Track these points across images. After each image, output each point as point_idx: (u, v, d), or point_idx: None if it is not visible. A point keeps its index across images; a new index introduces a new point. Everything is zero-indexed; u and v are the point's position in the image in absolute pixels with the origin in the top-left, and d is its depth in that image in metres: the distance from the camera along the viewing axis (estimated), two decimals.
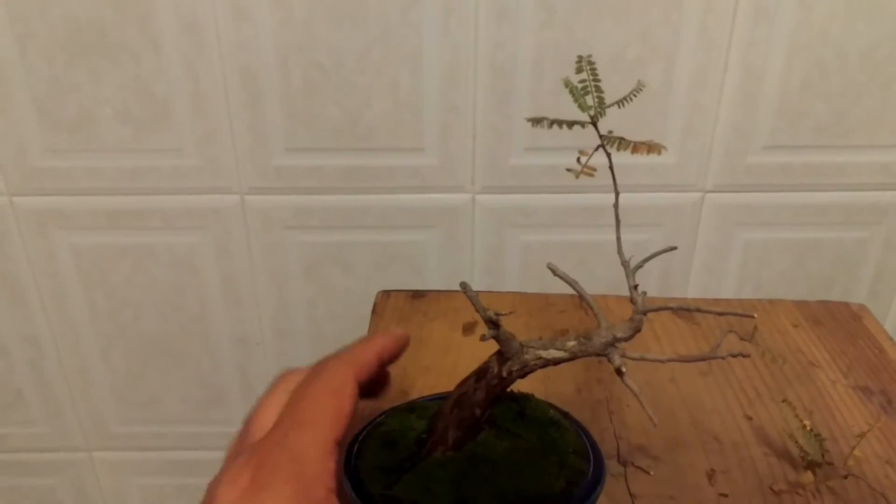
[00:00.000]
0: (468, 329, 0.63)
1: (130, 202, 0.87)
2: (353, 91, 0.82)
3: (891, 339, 0.61)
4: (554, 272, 0.44)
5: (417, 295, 0.67)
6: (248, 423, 0.39)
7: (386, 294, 0.71)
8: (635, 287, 0.42)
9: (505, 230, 0.90)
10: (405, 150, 0.85)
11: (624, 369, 0.39)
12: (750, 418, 0.54)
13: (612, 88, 0.81)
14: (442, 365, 0.57)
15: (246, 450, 0.36)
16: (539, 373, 0.57)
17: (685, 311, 0.40)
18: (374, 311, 0.69)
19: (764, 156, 0.87)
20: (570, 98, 0.46)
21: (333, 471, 0.35)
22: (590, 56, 0.42)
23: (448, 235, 0.90)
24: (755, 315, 0.37)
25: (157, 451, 1.05)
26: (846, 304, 0.64)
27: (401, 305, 0.66)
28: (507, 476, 0.41)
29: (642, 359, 0.41)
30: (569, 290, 0.45)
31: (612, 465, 0.50)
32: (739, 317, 0.36)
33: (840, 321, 0.63)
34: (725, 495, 0.48)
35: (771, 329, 0.62)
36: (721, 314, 0.38)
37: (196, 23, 0.78)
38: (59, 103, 0.82)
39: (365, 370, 0.41)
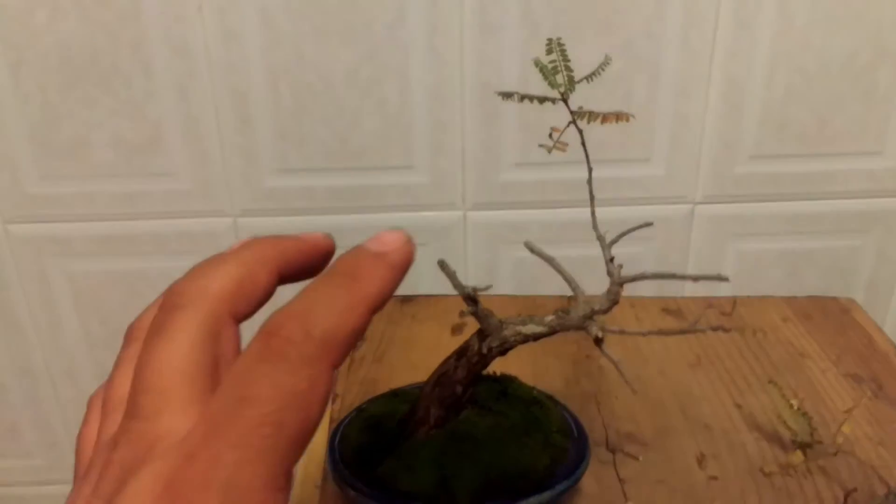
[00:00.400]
0: (457, 330, 0.63)
1: (124, 227, 0.88)
2: (343, 110, 0.83)
3: (880, 329, 0.61)
4: (531, 249, 0.44)
5: (406, 299, 0.67)
6: (136, 374, 0.26)
7: None
8: (611, 260, 0.42)
9: (497, 246, 0.90)
10: (395, 168, 0.86)
11: (601, 335, 0.39)
12: (740, 406, 0.53)
13: (597, 101, 0.82)
14: (430, 363, 0.57)
15: (138, 457, 0.24)
16: (527, 367, 0.57)
17: (660, 278, 0.40)
18: None
19: (751, 165, 0.87)
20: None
21: None
22: (559, 38, 0.42)
23: (440, 253, 0.90)
24: (728, 278, 0.37)
25: None
26: (835, 299, 0.64)
27: (389, 310, 0.66)
28: (490, 452, 0.41)
29: (621, 332, 0.41)
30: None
31: (600, 452, 0.49)
32: (714, 282, 0.36)
33: (829, 315, 0.63)
34: (715, 478, 0.47)
35: (761, 324, 0.62)
36: (696, 279, 0.38)
37: (186, 46, 0.79)
38: (52, 130, 0.83)
39: (344, 352, 0.26)
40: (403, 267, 0.29)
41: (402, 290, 0.76)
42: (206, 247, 0.89)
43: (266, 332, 0.25)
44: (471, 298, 0.40)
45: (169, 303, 0.27)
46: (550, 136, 0.40)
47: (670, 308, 0.64)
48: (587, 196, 0.43)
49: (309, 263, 0.31)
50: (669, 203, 0.89)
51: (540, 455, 0.42)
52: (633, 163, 0.86)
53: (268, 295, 0.30)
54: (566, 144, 0.40)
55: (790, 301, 0.64)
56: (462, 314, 0.40)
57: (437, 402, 0.42)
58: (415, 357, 0.59)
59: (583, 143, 0.41)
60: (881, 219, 0.90)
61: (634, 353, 0.59)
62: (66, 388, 0.97)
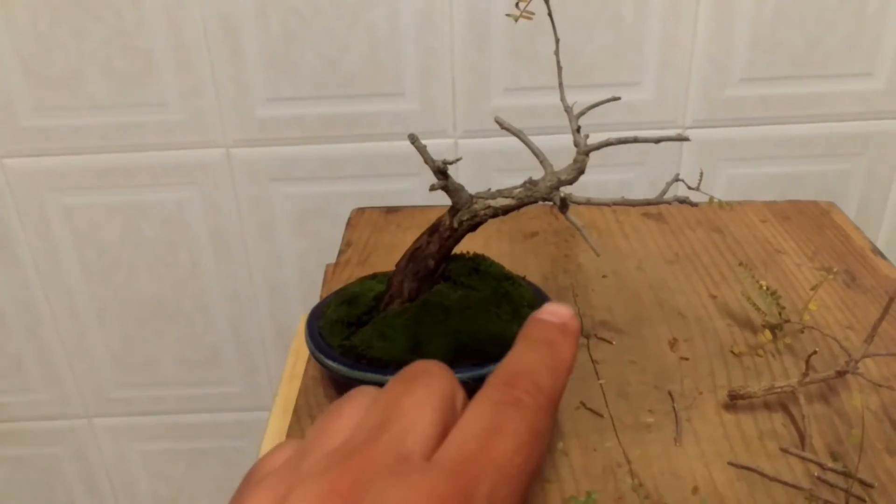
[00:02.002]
0: None
1: (118, 160, 0.89)
2: (331, 37, 0.83)
3: (858, 229, 0.61)
4: (501, 125, 0.45)
5: (392, 210, 0.68)
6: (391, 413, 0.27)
7: (360, 210, 0.72)
8: (577, 130, 0.42)
9: (489, 175, 0.91)
10: (385, 95, 0.86)
11: (568, 201, 0.39)
12: (714, 297, 0.54)
13: (585, 23, 0.82)
14: None
15: (391, 468, 0.25)
16: (506, 266, 0.58)
17: (623, 142, 0.40)
18: (348, 224, 0.70)
19: (741, 88, 0.87)
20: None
21: None
22: None
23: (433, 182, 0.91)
24: (689, 138, 0.37)
25: (155, 415, 1.06)
26: (815, 203, 0.65)
27: (375, 219, 0.67)
28: (461, 320, 0.42)
29: (587, 202, 0.42)
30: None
31: None
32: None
33: (808, 216, 0.63)
34: (686, 359, 0.48)
35: (739, 225, 0.62)
36: (658, 141, 0.39)
37: None
38: (45, 61, 0.83)
39: (557, 407, 0.29)
40: (578, 335, 0.32)
41: (393, 203, 0.77)
42: (199, 178, 0.90)
43: (503, 383, 0.28)
44: (441, 172, 0.41)
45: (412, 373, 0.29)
46: (517, 5, 0.41)
47: (651, 213, 0.64)
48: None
49: None
50: (659, 128, 0.89)
51: (509, 324, 0.43)
52: (622, 87, 0.87)
53: None
54: (532, 13, 0.40)
55: (770, 205, 0.65)
56: (432, 187, 0.41)
57: (410, 276, 0.43)
58: (397, 261, 0.60)
59: (549, 14, 0.41)
60: (872, 142, 0.90)
61: (614, 251, 0.59)
62: (67, 323, 0.98)
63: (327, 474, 0.24)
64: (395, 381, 0.28)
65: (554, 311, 0.32)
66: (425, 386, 0.28)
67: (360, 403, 0.29)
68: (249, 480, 0.27)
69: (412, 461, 0.25)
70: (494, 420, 0.26)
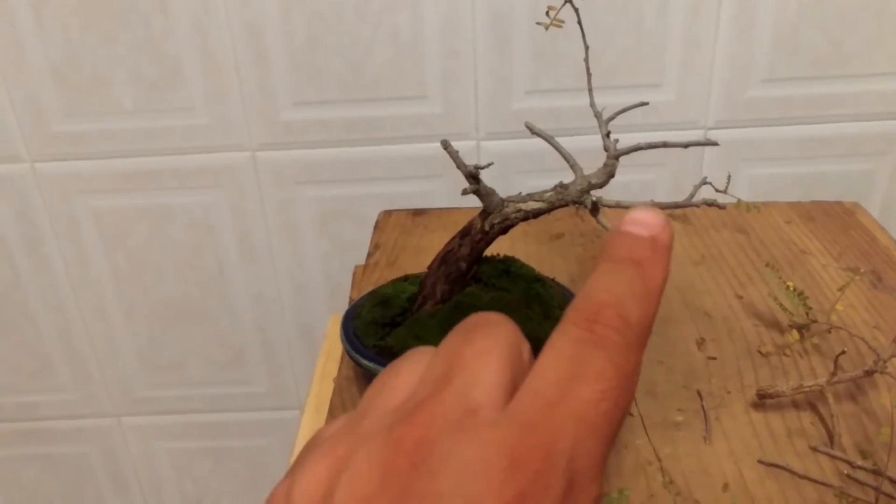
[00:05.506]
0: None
1: (146, 163, 0.90)
2: (355, 41, 0.84)
3: (883, 229, 0.61)
4: (531, 129, 0.46)
5: (419, 212, 0.69)
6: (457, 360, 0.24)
7: (387, 213, 0.73)
8: (607, 135, 0.43)
9: (512, 177, 0.92)
10: (408, 98, 0.87)
11: (599, 205, 0.40)
12: (741, 297, 0.55)
13: (607, 25, 0.83)
14: None
15: (456, 421, 0.22)
16: (535, 266, 0.58)
17: (653, 147, 0.41)
18: (376, 227, 0.71)
19: (763, 89, 0.87)
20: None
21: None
22: None
23: (457, 184, 0.92)
24: (718, 143, 0.38)
25: (182, 414, 1.07)
26: (839, 203, 0.65)
27: (402, 221, 0.68)
28: None
29: (617, 205, 0.43)
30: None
31: None
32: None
33: (833, 216, 0.64)
34: (714, 358, 0.49)
35: (764, 226, 0.63)
36: (687, 146, 0.39)
37: None
38: (74, 67, 0.85)
39: (648, 338, 0.26)
40: (671, 247, 0.27)
41: (416, 205, 0.78)
42: (226, 181, 0.91)
43: (584, 317, 0.24)
44: (473, 176, 0.42)
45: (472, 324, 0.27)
46: (547, 13, 0.42)
47: (676, 214, 0.65)
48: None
49: None
50: (681, 129, 0.89)
51: (541, 325, 0.43)
52: (644, 88, 0.87)
53: None
54: (562, 22, 0.41)
55: (794, 205, 0.65)
56: (464, 192, 0.42)
57: (442, 278, 0.44)
58: (425, 262, 0.60)
59: (579, 22, 0.42)
60: (895, 141, 0.90)
61: None
62: (96, 324, 1.00)
63: (389, 433, 0.22)
64: (453, 334, 0.25)
65: (641, 220, 0.26)
66: (487, 335, 0.25)
67: (418, 360, 0.26)
68: (307, 447, 0.25)
69: (481, 414, 0.22)
70: (575, 362, 0.23)
